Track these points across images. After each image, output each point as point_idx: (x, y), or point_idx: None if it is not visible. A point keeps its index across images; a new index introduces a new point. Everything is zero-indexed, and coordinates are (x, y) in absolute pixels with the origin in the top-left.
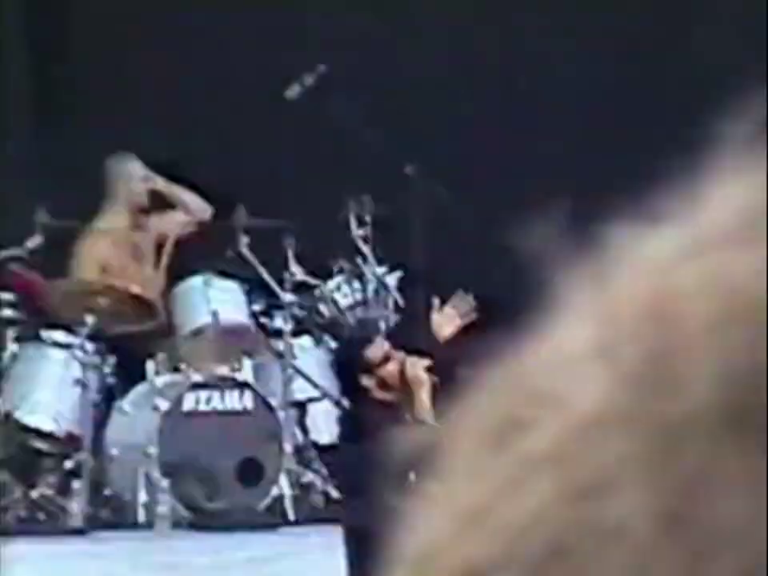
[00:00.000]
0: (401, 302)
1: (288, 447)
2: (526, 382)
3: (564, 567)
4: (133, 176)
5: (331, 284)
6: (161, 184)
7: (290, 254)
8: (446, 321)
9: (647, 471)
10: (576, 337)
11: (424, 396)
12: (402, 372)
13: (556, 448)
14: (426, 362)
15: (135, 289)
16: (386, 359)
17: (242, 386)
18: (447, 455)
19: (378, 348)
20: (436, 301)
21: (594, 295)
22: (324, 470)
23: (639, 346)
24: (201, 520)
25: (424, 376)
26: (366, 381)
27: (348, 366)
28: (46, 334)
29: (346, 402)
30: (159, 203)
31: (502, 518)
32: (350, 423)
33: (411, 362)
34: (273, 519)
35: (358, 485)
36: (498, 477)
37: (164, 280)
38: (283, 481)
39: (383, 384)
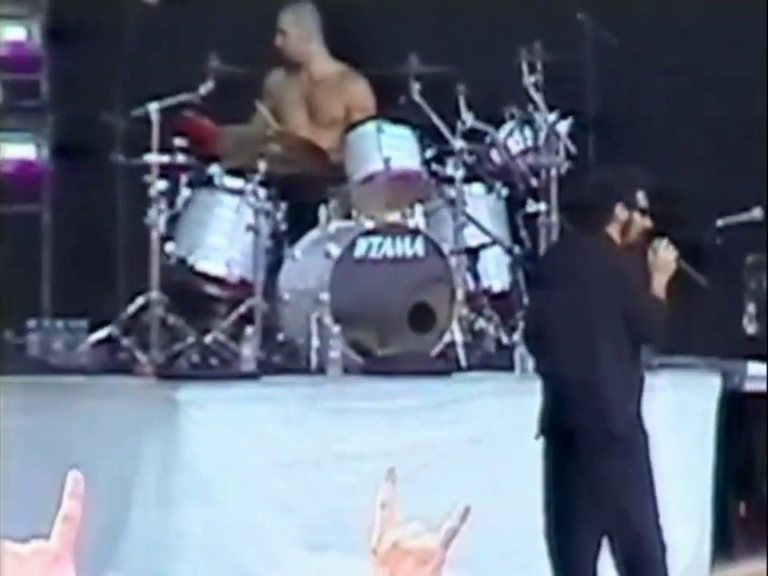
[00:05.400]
0: (572, 148)
1: (460, 293)
2: None
3: None
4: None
5: (502, 130)
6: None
7: (462, 101)
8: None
9: None
10: None
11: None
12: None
13: None
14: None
15: (309, 136)
16: None
17: (414, 232)
18: None
19: None
20: None
21: None
22: (496, 317)
23: None
24: (372, 366)
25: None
26: None
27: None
28: (218, 179)
29: (516, 249)
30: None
31: None
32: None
33: (665, 244)
34: (445, 365)
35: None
36: None
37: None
38: (455, 327)
39: None
